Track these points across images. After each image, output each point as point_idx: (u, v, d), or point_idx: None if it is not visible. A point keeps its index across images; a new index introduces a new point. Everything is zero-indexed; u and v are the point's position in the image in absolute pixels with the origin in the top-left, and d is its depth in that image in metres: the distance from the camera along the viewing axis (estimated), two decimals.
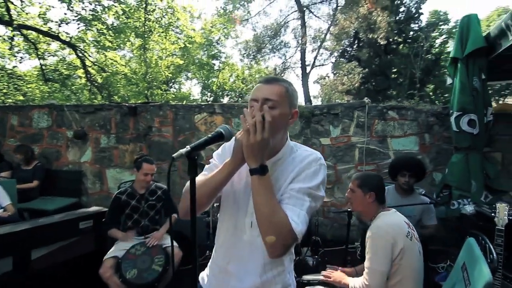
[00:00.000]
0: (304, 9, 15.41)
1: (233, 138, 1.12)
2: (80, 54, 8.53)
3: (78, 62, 9.23)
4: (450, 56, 3.19)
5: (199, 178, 1.00)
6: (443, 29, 18.29)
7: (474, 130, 2.96)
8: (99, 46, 8.25)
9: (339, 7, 14.92)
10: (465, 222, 2.88)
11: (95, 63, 9.04)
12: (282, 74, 16.26)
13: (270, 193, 0.88)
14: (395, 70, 16.35)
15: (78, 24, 7.98)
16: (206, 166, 1.10)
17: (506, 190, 3.12)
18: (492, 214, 1.96)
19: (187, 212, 0.95)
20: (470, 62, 2.97)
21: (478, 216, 2.61)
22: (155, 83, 11.40)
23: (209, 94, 20.30)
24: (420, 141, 3.72)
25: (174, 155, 0.76)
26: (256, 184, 0.88)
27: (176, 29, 9.93)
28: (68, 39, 8.29)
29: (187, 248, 2.75)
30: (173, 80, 18.69)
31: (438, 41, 18.07)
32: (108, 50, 8.61)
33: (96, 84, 9.44)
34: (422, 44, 16.08)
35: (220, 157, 1.09)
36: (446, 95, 15.74)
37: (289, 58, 16.27)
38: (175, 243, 2.48)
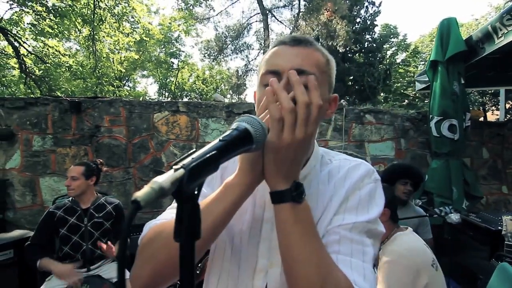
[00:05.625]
0: (267, 12, 15.36)
1: None
2: (13, 40, 7.23)
3: (10, 50, 7.86)
4: (430, 60, 3.12)
5: (168, 219, 0.56)
6: (392, 41, 19.64)
7: (455, 136, 2.89)
8: (36, 32, 7.03)
9: (301, 13, 15.13)
10: (448, 231, 2.79)
11: (32, 52, 7.75)
12: (245, 76, 15.99)
13: (315, 237, 0.49)
14: (351, 77, 17.07)
15: (11, 3, 6.74)
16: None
17: (481, 196, 3.12)
18: (483, 224, 1.82)
19: (150, 285, 0.52)
20: (450, 65, 2.91)
21: (465, 225, 2.51)
22: (106, 79, 10.22)
23: (167, 94, 19.25)
24: (396, 146, 3.62)
25: (138, 194, 0.28)
26: (288, 220, 0.48)
27: (131, 20, 9.01)
28: None
29: None
30: (126, 77, 17.34)
31: (388, 53, 19.37)
32: (48, 37, 7.39)
33: (34, 76, 8.11)
34: (376, 54, 17.06)
35: None
36: (396, 103, 16.86)
37: (252, 60, 16.06)
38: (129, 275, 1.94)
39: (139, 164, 3.53)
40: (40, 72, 8.09)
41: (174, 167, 0.32)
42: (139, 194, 0.28)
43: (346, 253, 0.52)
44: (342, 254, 0.51)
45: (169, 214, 0.59)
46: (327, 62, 0.60)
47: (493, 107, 12.99)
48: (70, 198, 2.05)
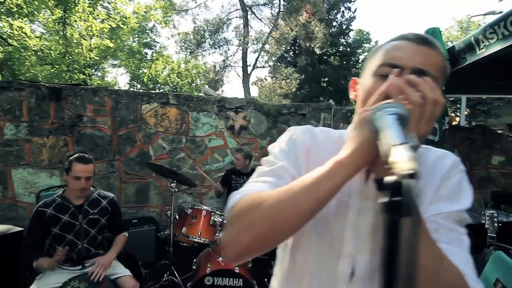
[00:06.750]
0: (247, 9, 15.29)
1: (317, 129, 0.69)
2: None
3: None
4: None
5: (264, 191, 0.55)
6: (365, 47, 20.51)
7: (435, 138, 3.10)
8: (2, 10, 6.38)
9: (280, 13, 15.26)
10: None
11: None
12: (223, 72, 15.83)
13: (424, 224, 0.50)
14: (326, 79, 17.58)
15: None
16: (262, 169, 0.63)
17: None
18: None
19: (246, 252, 0.53)
20: None
21: None
22: (76, 66, 9.55)
23: (139, 86, 18.48)
24: None
25: (408, 166, 0.30)
26: None
27: (106, 5, 8.50)
28: None
29: (137, 272, 2.15)
30: (96, 66, 16.38)
31: (361, 57, 20.21)
32: (17, 16, 6.73)
33: None
34: (350, 58, 17.73)
35: (289, 155, 0.63)
36: None
37: (230, 56, 15.93)
38: (128, 272, 1.87)
39: (124, 157, 3.38)
40: (3, 54, 7.37)
41: (400, 144, 0.34)
42: (410, 166, 0.29)
43: (445, 241, 0.51)
44: (443, 242, 0.51)
45: (257, 186, 0.58)
46: (445, 68, 0.59)
47: (453, 113, 14.12)
48: (59, 193, 1.89)
